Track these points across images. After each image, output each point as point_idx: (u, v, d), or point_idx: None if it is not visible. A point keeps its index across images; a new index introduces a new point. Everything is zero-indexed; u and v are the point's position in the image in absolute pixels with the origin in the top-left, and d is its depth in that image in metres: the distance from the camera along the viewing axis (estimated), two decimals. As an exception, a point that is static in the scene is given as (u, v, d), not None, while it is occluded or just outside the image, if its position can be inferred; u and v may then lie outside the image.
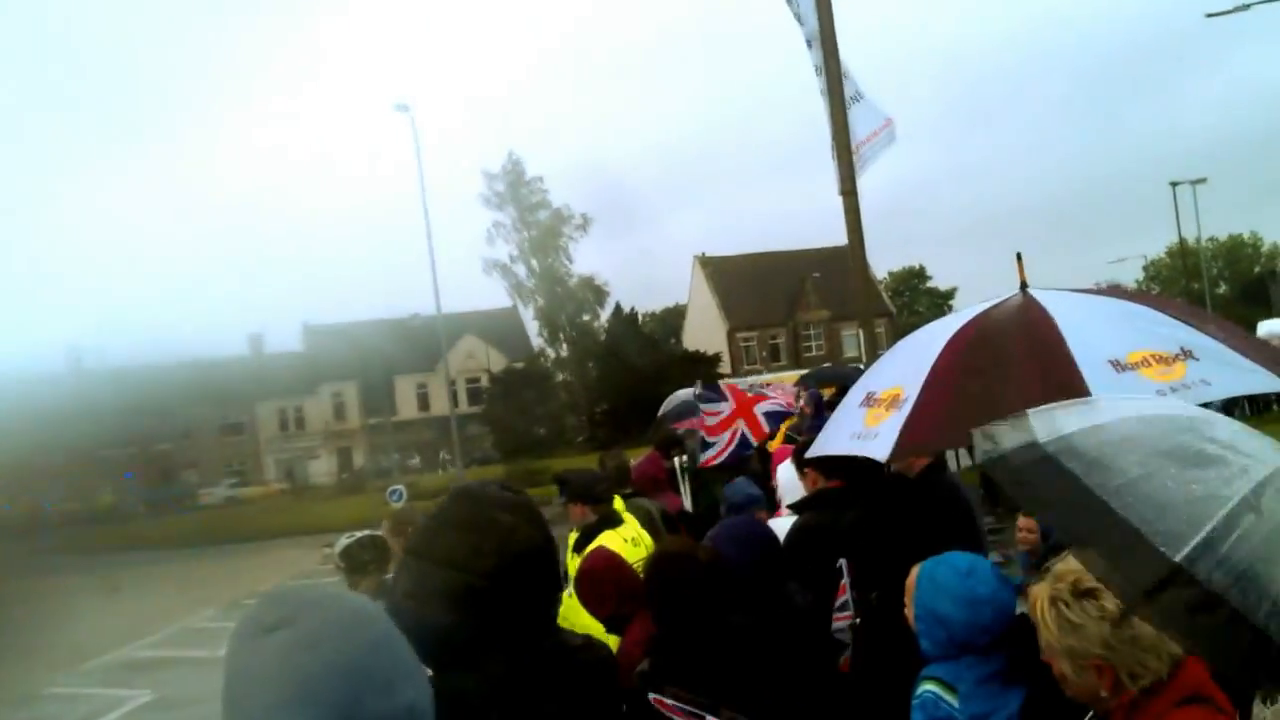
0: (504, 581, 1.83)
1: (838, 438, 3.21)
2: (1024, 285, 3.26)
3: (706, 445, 5.91)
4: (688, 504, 6.03)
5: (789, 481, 5.27)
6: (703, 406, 6.01)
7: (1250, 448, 1.74)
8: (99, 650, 14.83)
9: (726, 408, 5.81)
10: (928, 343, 3.20)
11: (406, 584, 1.84)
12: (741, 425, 5.70)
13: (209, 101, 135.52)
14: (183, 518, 43.15)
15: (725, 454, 5.72)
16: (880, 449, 2.92)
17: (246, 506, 48.42)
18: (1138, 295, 3.52)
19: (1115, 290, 3.81)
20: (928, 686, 2.64)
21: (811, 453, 3.58)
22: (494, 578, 1.82)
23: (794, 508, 4.47)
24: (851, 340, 57.62)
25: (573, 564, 4.36)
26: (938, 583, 2.69)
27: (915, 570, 2.77)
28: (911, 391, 2.95)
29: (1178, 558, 1.39)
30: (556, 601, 2.03)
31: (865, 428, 3.02)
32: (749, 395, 6.08)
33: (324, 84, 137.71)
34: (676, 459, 6.31)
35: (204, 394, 61.48)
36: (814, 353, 61.05)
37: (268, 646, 1.23)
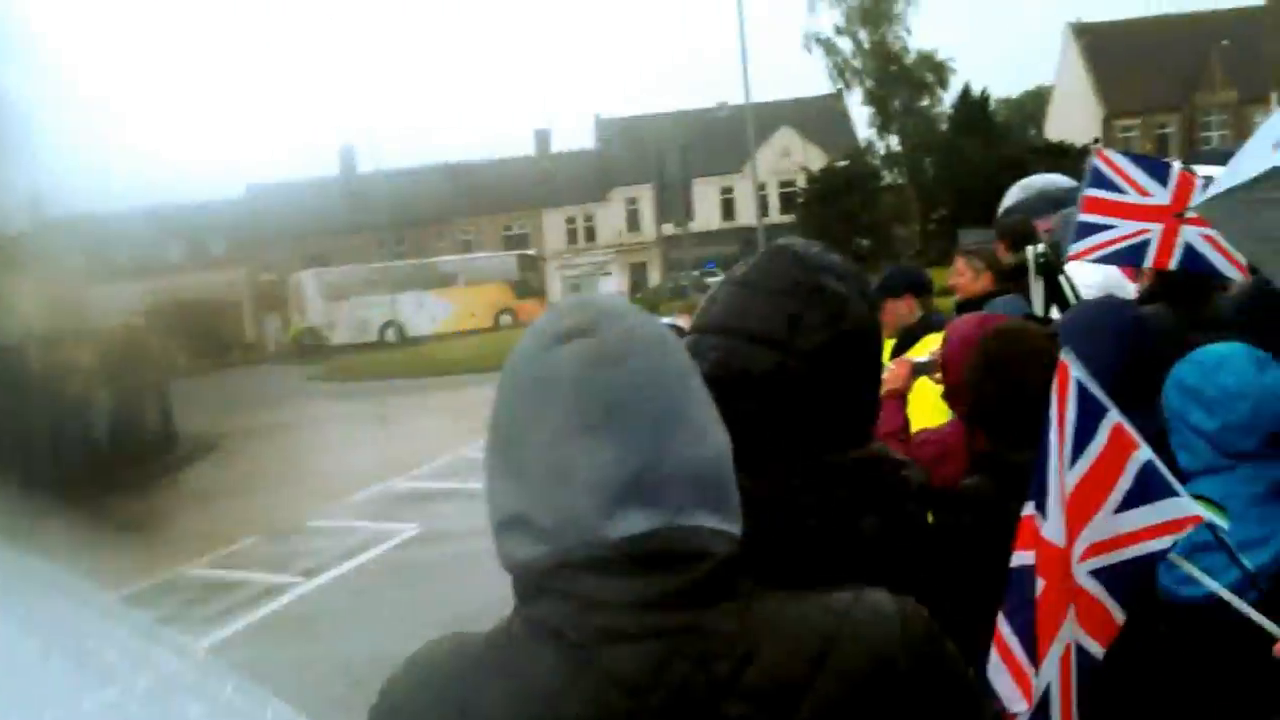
0: (826, 366, 1.66)
1: (1254, 162, 2.71)
2: None
3: (1087, 229, 4.28)
4: (1038, 307, 5.51)
5: (1097, 280, 4.79)
6: (1090, 191, 4.40)
7: None
8: (366, 481, 16.19)
9: (1160, 196, 4.30)
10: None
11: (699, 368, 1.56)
12: (1156, 232, 4.03)
13: None
14: (457, 342, 45.35)
15: (1111, 249, 4.18)
16: None
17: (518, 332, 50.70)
18: None
19: None
20: None
21: (1212, 191, 3.02)
22: (815, 359, 1.65)
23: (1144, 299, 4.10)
24: (1267, 129, 52.47)
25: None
26: (1183, 385, 2.63)
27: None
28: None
29: None
30: (876, 404, 1.85)
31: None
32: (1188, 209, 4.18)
33: None
34: (1030, 249, 5.65)
35: (485, 199, 64.57)
36: (1215, 144, 56.18)
37: (562, 357, 1.17)
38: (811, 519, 1.65)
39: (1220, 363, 2.59)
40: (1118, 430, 1.98)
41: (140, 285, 44.29)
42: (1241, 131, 56.12)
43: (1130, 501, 1.98)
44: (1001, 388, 2.82)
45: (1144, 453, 1.97)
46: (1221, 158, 5.69)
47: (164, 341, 29.79)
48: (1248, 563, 2.42)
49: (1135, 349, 3.18)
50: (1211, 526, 2.14)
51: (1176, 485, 1.98)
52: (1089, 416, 2.01)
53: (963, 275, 5.78)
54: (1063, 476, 2.01)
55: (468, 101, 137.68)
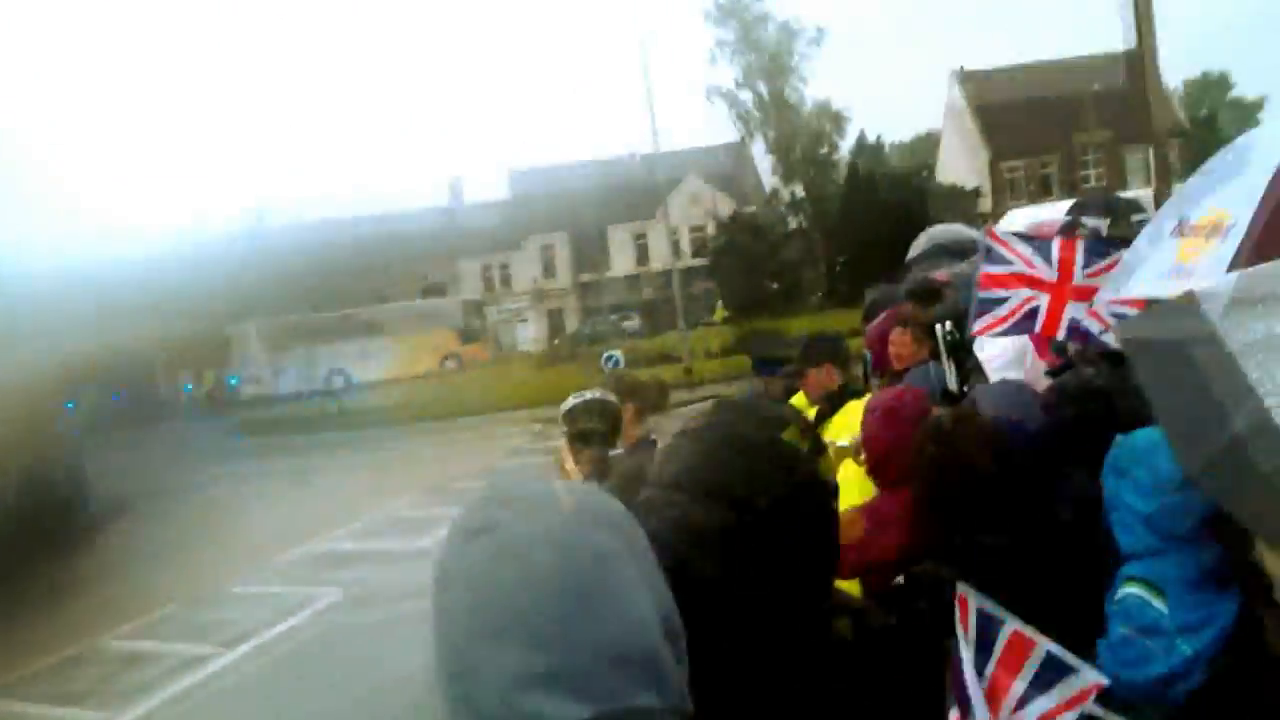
0: (783, 521, 1.64)
1: (1145, 276, 2.82)
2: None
3: (986, 304, 4.41)
4: (952, 383, 5.48)
5: (1000, 356, 4.79)
6: (986, 268, 4.51)
7: None
8: (287, 544, 15.69)
9: (1045, 270, 4.54)
10: (1261, 154, 2.79)
11: (655, 526, 1.53)
12: (1043, 301, 4.21)
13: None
14: (381, 392, 44.67)
15: (1008, 323, 4.34)
16: None
17: (452, 378, 49.96)
18: None
19: None
20: (1130, 589, 2.53)
21: (1108, 295, 3.15)
22: (770, 515, 1.63)
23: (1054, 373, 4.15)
24: (1139, 165, 54.14)
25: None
26: (1119, 468, 2.61)
27: None
28: (1241, 215, 2.57)
29: None
30: (835, 552, 1.80)
31: (1177, 264, 2.65)
32: (1079, 282, 4.19)
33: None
34: (939, 328, 5.65)
35: (400, 250, 64.06)
36: (1092, 182, 58.07)
37: (467, 555, 1.15)
38: (776, 680, 1.63)
39: (1155, 447, 2.53)
40: (1016, 637, 1.94)
41: (51, 343, 43.18)
42: (1115, 168, 58.12)
43: (1030, 696, 1.94)
44: (949, 473, 2.84)
45: (1041, 649, 1.93)
46: (1103, 204, 5.88)
47: (76, 400, 28.93)
48: (1186, 647, 2.41)
49: (1037, 428, 3.18)
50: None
51: (1074, 662, 1.93)
52: (988, 629, 1.98)
53: (906, 347, 5.68)
54: (978, 686, 1.98)
55: (380, 155, 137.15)
